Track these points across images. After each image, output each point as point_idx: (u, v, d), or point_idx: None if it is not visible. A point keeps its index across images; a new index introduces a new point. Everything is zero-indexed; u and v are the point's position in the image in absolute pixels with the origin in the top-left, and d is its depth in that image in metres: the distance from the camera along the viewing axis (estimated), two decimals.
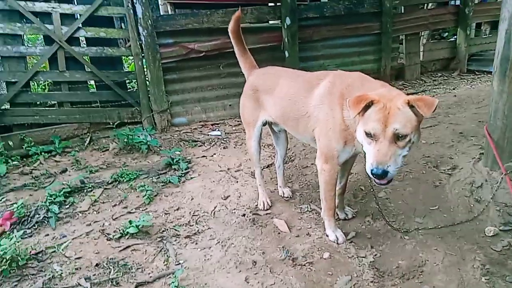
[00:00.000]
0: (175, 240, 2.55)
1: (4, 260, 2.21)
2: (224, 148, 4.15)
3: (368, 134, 1.83)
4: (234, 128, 4.74)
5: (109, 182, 3.37)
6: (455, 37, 6.48)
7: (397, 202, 2.74)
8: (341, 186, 2.60)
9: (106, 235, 2.61)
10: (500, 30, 2.58)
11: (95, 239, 2.59)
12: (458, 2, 6.37)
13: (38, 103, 4.55)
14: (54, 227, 2.73)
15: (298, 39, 5.14)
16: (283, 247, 2.39)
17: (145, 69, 4.68)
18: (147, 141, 4.04)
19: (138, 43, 4.53)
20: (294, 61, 5.11)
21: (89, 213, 2.93)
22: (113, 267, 2.28)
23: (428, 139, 3.46)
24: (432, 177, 2.92)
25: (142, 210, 2.95)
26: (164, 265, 2.31)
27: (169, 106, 4.86)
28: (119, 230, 2.62)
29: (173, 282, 2.09)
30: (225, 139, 4.38)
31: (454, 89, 5.42)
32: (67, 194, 3.13)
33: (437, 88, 5.60)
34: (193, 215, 2.84)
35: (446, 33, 7.09)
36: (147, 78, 4.71)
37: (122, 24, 4.94)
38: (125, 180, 3.38)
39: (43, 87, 5.75)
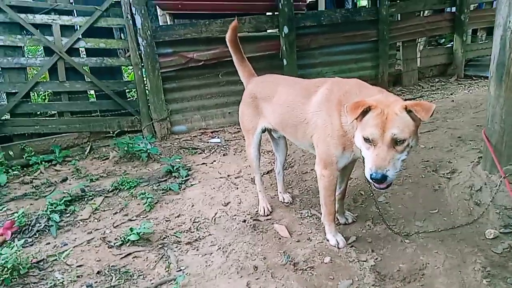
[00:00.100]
0: (176, 247, 2.55)
1: (6, 269, 2.21)
2: (224, 155, 4.17)
3: (366, 140, 1.85)
4: (233, 135, 4.76)
5: (110, 190, 3.38)
6: (452, 43, 6.54)
7: (397, 206, 2.75)
8: (341, 191, 2.61)
9: (107, 242, 2.62)
10: (495, 36, 2.62)
11: (96, 247, 2.59)
12: (454, 9, 6.43)
13: (38, 113, 4.59)
14: (55, 235, 2.74)
15: (296, 47, 5.20)
16: (284, 252, 2.39)
17: (144, 79, 4.73)
18: (147, 149, 4.06)
19: (137, 53, 4.58)
20: (292, 69, 5.16)
21: (90, 221, 2.94)
22: (115, 275, 2.28)
23: (427, 144, 3.48)
24: (432, 181, 2.93)
25: (143, 217, 2.96)
26: (165, 271, 2.31)
27: (169, 115, 4.89)
28: (120, 238, 2.62)
29: None
30: (224, 146, 4.40)
31: (451, 94, 5.46)
32: (68, 203, 3.14)
33: (435, 93, 5.64)
34: (193, 222, 2.85)
35: (443, 40, 7.16)
36: (146, 87, 4.75)
37: (122, 35, 5.00)
38: (125, 188, 3.39)
39: (43, 97, 5.79)
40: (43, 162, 4.02)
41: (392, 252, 2.30)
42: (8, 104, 4.26)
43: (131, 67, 4.76)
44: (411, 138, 1.82)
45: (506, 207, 2.42)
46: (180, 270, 2.31)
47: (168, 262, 2.38)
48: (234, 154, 4.17)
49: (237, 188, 3.34)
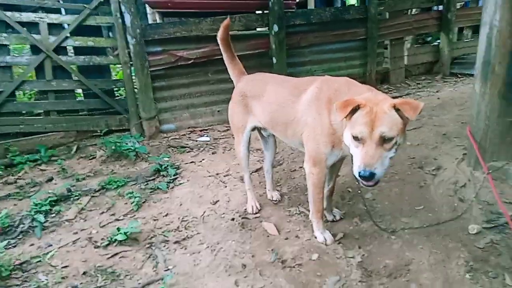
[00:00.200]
0: (164, 246, 2.54)
1: None
2: (212, 153, 4.16)
3: (355, 138, 1.87)
4: (222, 134, 4.75)
5: (97, 189, 3.34)
6: (438, 41, 6.63)
7: (383, 203, 2.78)
8: (329, 189, 2.62)
9: (94, 243, 2.59)
10: (481, 34, 2.66)
11: (82, 247, 2.56)
12: (441, 8, 6.52)
13: (24, 112, 4.51)
14: (39, 236, 2.70)
15: (286, 45, 5.20)
16: (272, 250, 2.40)
17: (133, 77, 4.68)
18: (135, 148, 4.02)
19: (126, 52, 4.53)
20: (282, 67, 5.16)
21: (76, 221, 2.90)
22: (101, 275, 2.26)
23: (413, 141, 3.52)
24: (417, 177, 2.97)
25: (130, 217, 2.93)
26: (153, 271, 2.30)
27: (158, 113, 4.86)
28: (107, 238, 2.59)
29: None
30: (213, 145, 4.39)
31: (437, 92, 5.53)
32: (53, 203, 3.09)
33: (421, 91, 5.71)
34: (182, 221, 2.83)
35: (430, 38, 7.25)
36: (135, 86, 4.71)
37: (110, 33, 4.94)
38: (112, 188, 3.36)
39: (29, 96, 5.69)
40: (28, 162, 3.94)
41: (379, 248, 2.32)
42: None
43: (119, 66, 4.70)
44: (399, 136, 1.84)
45: (489, 203, 2.47)
46: (168, 269, 2.30)
47: (156, 262, 2.37)
48: (223, 153, 4.16)
49: (226, 187, 3.33)
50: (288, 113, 2.39)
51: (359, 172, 1.81)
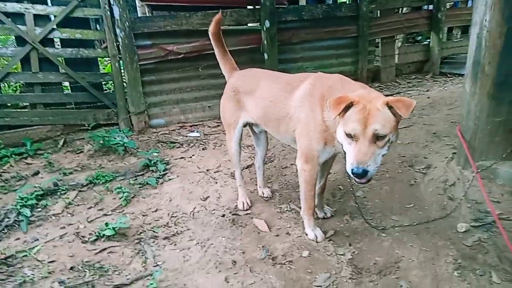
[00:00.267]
0: (153, 242, 2.50)
1: None
2: (203, 149, 4.12)
3: (348, 135, 1.86)
4: (213, 130, 4.72)
5: (84, 184, 3.28)
6: (429, 40, 6.69)
7: (374, 200, 2.79)
8: (321, 186, 2.62)
9: (81, 237, 2.54)
10: (472, 34, 2.68)
11: (69, 242, 2.51)
12: (431, 7, 6.58)
13: (9, 104, 4.39)
14: (25, 230, 2.63)
15: (277, 41, 5.18)
16: (263, 246, 2.39)
17: (122, 71, 4.60)
18: (124, 143, 3.96)
19: (115, 45, 4.45)
20: (274, 63, 5.14)
21: (63, 216, 2.84)
22: (89, 270, 2.22)
23: (404, 140, 3.55)
24: (408, 176, 2.99)
25: (119, 212, 2.89)
26: (142, 267, 2.26)
27: (147, 108, 4.79)
28: (95, 233, 2.55)
29: (151, 284, 2.05)
30: (204, 141, 4.35)
31: (427, 91, 5.58)
32: (40, 197, 3.03)
33: (411, 90, 5.76)
34: (171, 217, 2.80)
35: (420, 37, 7.31)
36: (124, 80, 4.63)
37: (97, 25, 4.85)
38: (100, 182, 3.30)
39: (14, 89, 5.55)
40: (13, 155, 3.85)
41: (369, 246, 2.33)
42: None
43: (108, 59, 4.62)
44: (391, 134, 1.84)
45: (477, 202, 2.50)
46: (157, 265, 2.27)
47: (145, 257, 2.34)
48: (214, 149, 4.13)
49: (216, 183, 3.31)
50: (281, 109, 2.38)
51: (352, 169, 1.80)
